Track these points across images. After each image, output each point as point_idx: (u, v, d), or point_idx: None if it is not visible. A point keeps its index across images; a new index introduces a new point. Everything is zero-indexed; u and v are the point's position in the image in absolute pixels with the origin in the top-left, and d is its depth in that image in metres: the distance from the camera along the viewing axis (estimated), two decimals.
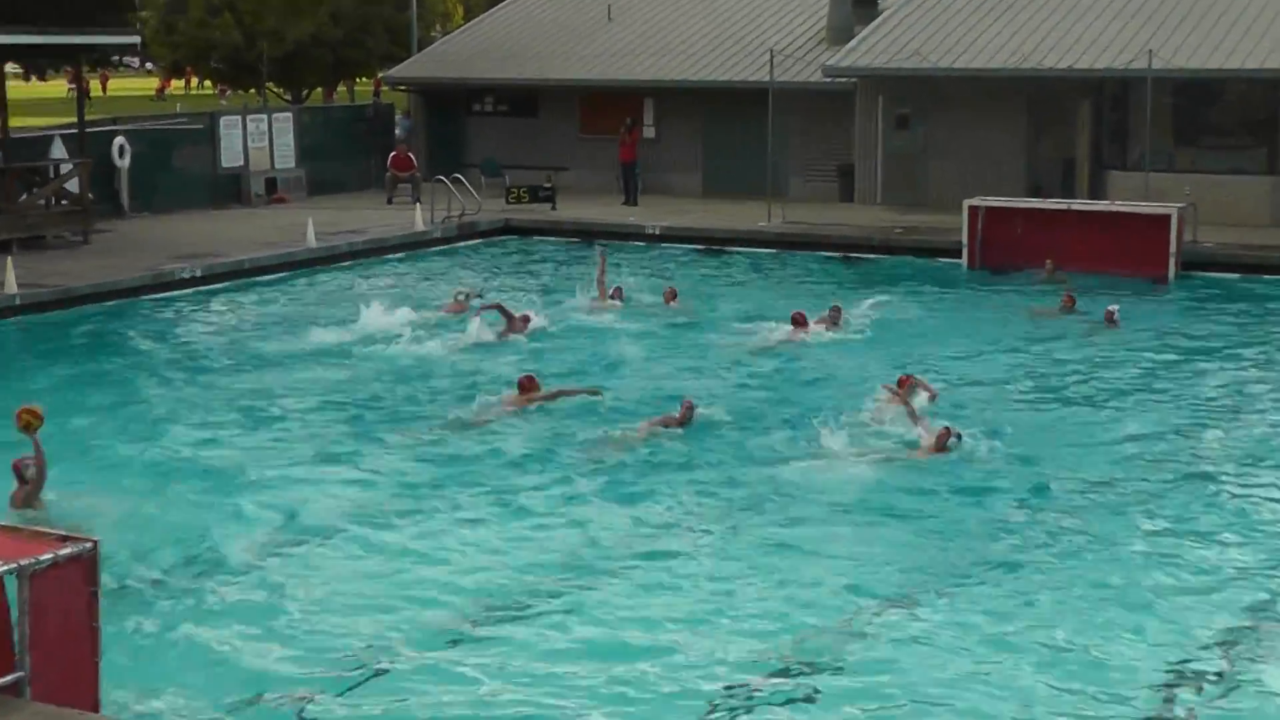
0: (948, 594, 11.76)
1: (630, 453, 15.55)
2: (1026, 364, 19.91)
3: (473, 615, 11.41)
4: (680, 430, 16.11)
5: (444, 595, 11.81)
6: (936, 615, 11.35)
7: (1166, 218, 26.05)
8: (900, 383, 16.97)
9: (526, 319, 21.69)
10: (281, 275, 26.83)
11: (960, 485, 14.51)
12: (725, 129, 36.15)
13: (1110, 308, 22.16)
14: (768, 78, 31.43)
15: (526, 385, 17.45)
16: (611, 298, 23.55)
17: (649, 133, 36.78)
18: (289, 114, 36.89)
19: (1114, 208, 27.34)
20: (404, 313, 22.32)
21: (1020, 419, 16.69)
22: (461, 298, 23.35)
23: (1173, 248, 25.96)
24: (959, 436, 15.37)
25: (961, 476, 14.74)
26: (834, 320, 21.50)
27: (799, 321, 21.27)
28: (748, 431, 16.36)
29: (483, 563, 12.51)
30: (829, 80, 33.58)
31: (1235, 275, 26.10)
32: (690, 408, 16.38)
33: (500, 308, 21.92)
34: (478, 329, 21.21)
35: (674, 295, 23.81)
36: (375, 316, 22.06)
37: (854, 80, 33.53)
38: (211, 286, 25.55)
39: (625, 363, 19.88)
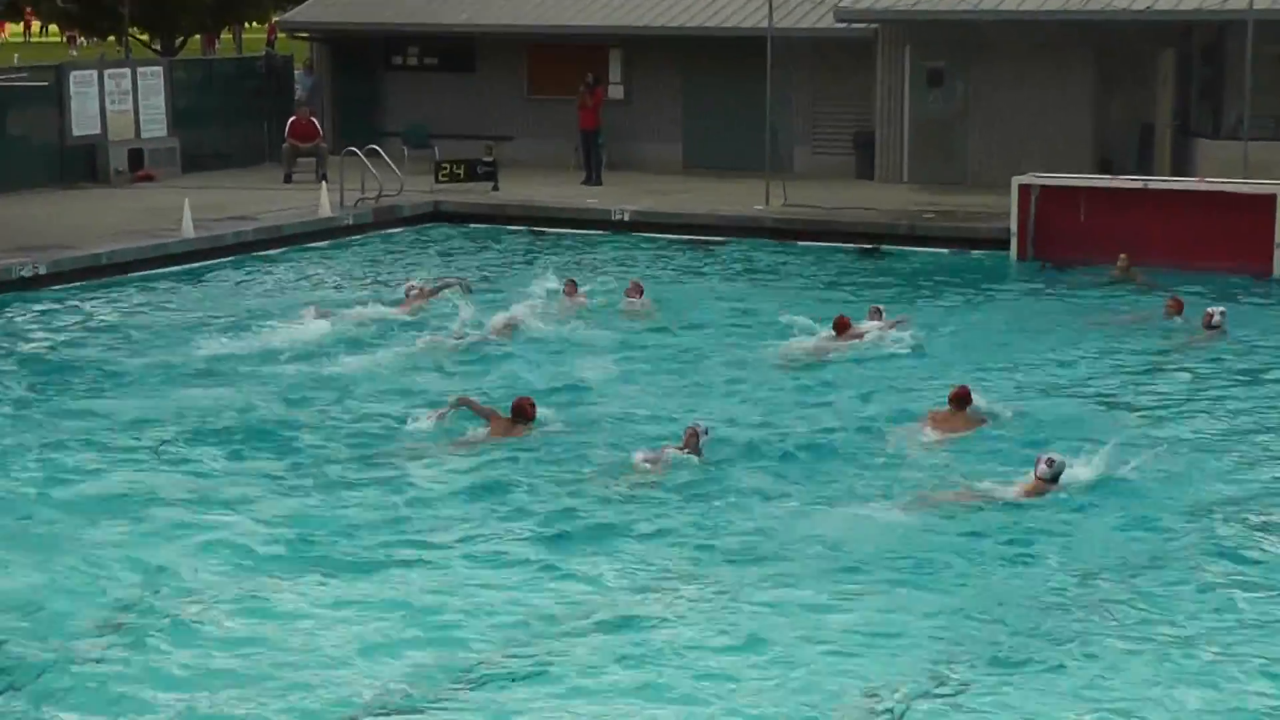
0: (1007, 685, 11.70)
1: (623, 491, 15.61)
2: (1111, 382, 19.96)
3: (400, 697, 11.38)
4: (685, 462, 16.23)
5: (366, 671, 11.77)
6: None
7: (1271, 198, 26.21)
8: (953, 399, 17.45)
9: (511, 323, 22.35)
10: (151, 273, 26.73)
11: (1036, 533, 14.52)
12: (712, 88, 36.17)
13: (1211, 309, 22.25)
14: (765, 23, 31.48)
15: (524, 412, 17.47)
16: (566, 293, 24.02)
17: (616, 93, 36.83)
18: (159, 68, 36.79)
19: (1203, 186, 27.49)
20: (323, 316, 22.50)
21: (1107, 455, 16.42)
22: (414, 293, 23.69)
23: (1278, 236, 26.13)
24: (1055, 464, 15.39)
25: (1039, 523, 14.75)
26: (879, 318, 22.00)
27: (843, 327, 21.56)
28: (769, 464, 16.49)
29: (420, 632, 12.47)
30: (843, 26, 33.62)
31: None
32: (696, 435, 16.46)
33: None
34: (430, 334, 21.67)
35: (639, 290, 24.03)
36: (290, 321, 22.29)
37: (874, 26, 33.62)
38: (59, 287, 25.44)
39: (607, 378, 20.04)
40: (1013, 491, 15.31)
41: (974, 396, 17.65)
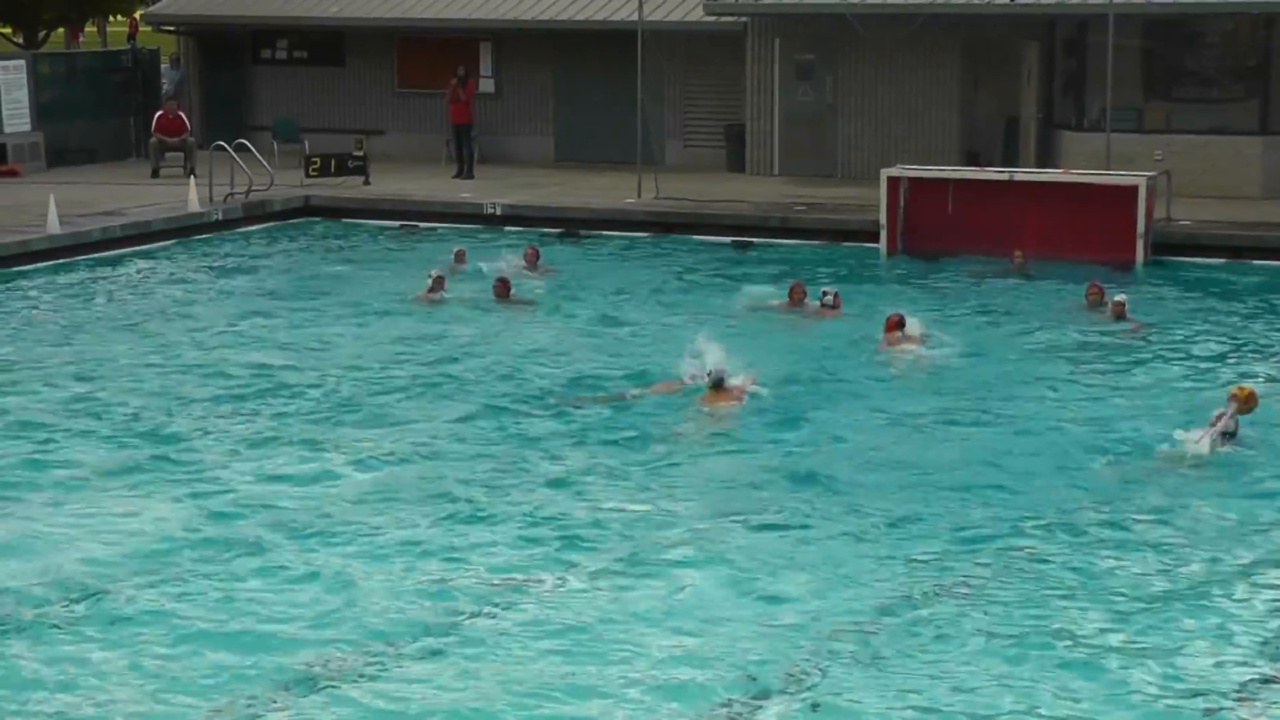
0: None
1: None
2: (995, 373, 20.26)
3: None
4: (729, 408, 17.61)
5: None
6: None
7: (1133, 189, 26.60)
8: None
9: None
10: (13, 271, 26.43)
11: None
12: (583, 82, 36.28)
13: (1118, 298, 22.51)
14: (635, 16, 31.56)
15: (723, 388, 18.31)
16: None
17: (487, 86, 36.86)
18: (21, 62, 36.42)
19: (1068, 178, 27.90)
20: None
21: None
22: (435, 276, 24.35)
23: (1140, 227, 26.50)
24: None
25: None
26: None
27: (797, 294, 22.97)
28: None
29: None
30: (713, 19, 33.88)
31: (1219, 260, 26.75)
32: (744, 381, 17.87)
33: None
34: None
35: (536, 256, 25.67)
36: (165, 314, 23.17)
37: (744, 19, 33.88)
38: None
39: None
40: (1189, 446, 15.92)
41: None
